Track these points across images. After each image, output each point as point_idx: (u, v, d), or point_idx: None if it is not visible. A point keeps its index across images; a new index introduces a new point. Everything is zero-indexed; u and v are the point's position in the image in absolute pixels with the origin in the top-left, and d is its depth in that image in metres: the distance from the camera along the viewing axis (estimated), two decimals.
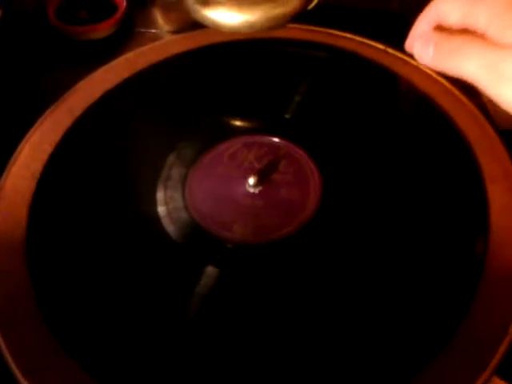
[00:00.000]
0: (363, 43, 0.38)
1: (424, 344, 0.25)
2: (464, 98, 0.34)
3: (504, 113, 0.21)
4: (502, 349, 0.24)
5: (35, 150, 0.33)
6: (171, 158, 0.34)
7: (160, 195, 0.32)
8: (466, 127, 0.33)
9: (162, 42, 0.40)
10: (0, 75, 0.40)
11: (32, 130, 0.34)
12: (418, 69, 0.36)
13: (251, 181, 0.31)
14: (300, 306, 0.27)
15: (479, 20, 0.21)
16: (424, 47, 0.23)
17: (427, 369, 0.24)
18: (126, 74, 0.37)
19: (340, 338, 0.26)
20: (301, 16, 0.30)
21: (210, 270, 0.28)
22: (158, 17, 0.45)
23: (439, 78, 0.35)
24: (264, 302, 0.28)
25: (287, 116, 0.36)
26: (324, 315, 0.27)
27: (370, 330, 0.26)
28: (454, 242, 0.29)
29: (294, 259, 0.29)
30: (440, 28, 0.23)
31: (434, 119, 0.34)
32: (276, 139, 0.34)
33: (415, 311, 0.27)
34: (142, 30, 0.44)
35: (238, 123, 0.36)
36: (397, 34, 0.27)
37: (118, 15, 0.43)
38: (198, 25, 0.31)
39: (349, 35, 0.39)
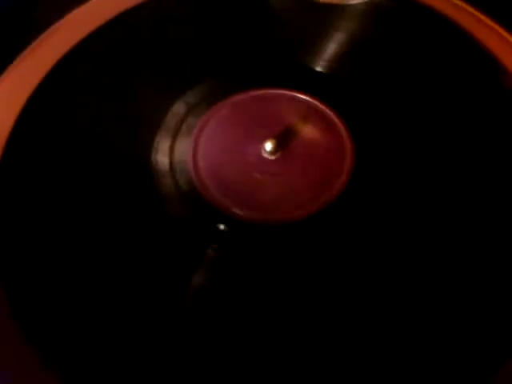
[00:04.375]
0: None
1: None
2: None
3: None
4: None
5: (12, 92, 0.27)
6: (172, 109, 0.28)
7: (154, 156, 0.26)
8: None
9: None
10: None
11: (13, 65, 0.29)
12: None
13: (268, 146, 0.25)
14: (323, 305, 0.22)
15: None
16: None
17: None
18: (124, 6, 0.31)
19: (355, 348, 0.21)
20: None
21: (210, 253, 0.23)
22: None
23: None
24: (275, 300, 0.23)
25: (318, 69, 0.29)
26: (348, 315, 0.22)
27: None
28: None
29: (313, 244, 0.24)
30: None
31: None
32: (303, 96, 0.28)
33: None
34: None
35: (258, 73, 0.30)
36: None
37: None
38: None
39: None
